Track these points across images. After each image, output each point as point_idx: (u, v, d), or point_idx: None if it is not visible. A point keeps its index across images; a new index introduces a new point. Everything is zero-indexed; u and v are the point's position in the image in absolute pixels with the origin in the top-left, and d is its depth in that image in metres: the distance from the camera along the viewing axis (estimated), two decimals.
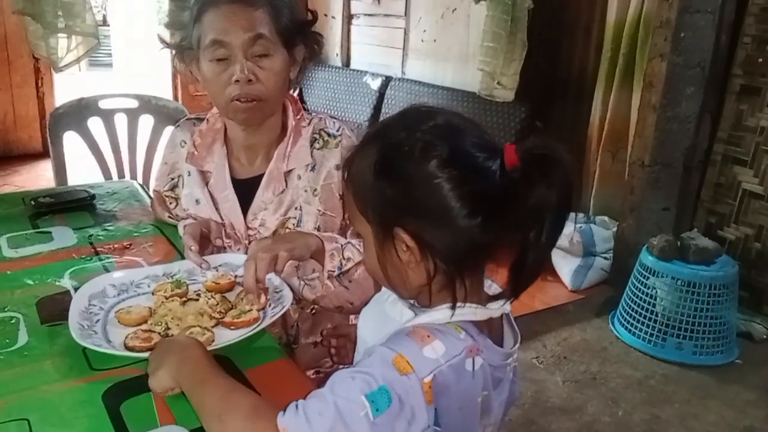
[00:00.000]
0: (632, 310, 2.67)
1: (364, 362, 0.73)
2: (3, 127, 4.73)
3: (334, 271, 1.16)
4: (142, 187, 1.78)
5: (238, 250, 1.32)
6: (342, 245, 1.18)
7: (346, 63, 5.14)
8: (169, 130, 2.42)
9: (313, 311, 1.36)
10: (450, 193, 0.74)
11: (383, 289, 0.98)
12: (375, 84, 4.60)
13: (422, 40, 4.40)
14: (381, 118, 4.50)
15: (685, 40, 2.78)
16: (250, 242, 1.32)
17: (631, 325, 2.67)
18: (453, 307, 0.77)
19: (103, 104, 2.41)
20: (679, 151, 2.93)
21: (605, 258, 3.20)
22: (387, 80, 4.55)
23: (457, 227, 0.75)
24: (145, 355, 0.90)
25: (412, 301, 0.85)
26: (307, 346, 1.37)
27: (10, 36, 4.63)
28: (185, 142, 1.40)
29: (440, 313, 0.78)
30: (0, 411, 0.83)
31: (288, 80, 1.28)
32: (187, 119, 1.45)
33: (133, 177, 2.45)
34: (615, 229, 3.20)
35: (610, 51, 3.35)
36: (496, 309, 0.80)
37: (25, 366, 0.93)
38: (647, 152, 2.92)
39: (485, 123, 3.60)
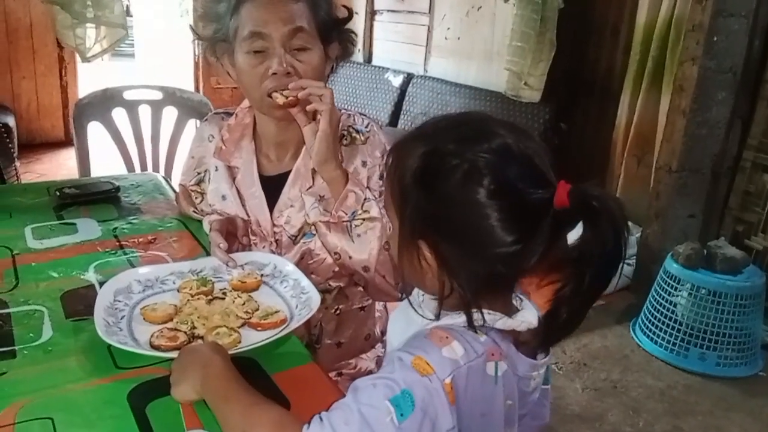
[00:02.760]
0: (655, 318, 2.62)
1: (385, 368, 0.72)
2: (27, 116, 4.76)
3: (346, 214, 1.15)
4: (166, 181, 1.77)
5: (264, 248, 1.30)
6: (366, 198, 1.16)
7: (368, 59, 5.11)
8: (192, 122, 2.43)
9: (338, 312, 1.34)
10: (483, 224, 0.72)
11: (411, 294, 0.96)
12: (397, 81, 4.56)
13: (446, 38, 4.36)
14: (402, 116, 4.48)
15: (717, 43, 2.72)
16: (276, 240, 1.30)
17: (654, 333, 2.62)
18: (469, 325, 0.74)
19: (128, 95, 2.40)
20: (707, 156, 2.87)
21: (627, 264, 3.14)
22: (409, 77, 4.52)
23: (484, 259, 0.73)
24: (171, 354, 0.88)
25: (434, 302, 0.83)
26: (330, 347, 1.35)
27: (35, 25, 4.65)
28: (213, 137, 1.38)
29: (461, 317, 0.76)
30: (24, 409, 0.81)
31: (324, 75, 1.25)
32: (215, 113, 1.43)
33: (156, 169, 2.45)
34: (638, 235, 3.15)
35: (639, 53, 3.29)
36: (521, 322, 0.78)
37: (49, 363, 0.91)
38: (675, 157, 2.87)
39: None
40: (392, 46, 4.88)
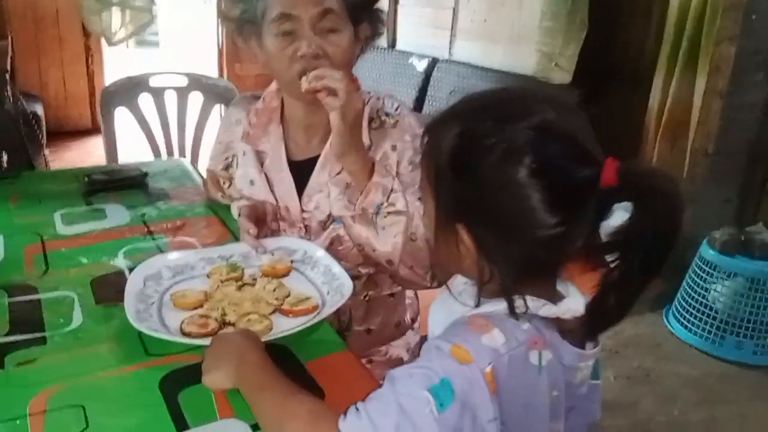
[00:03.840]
0: (689, 306, 2.55)
1: (422, 357, 0.69)
2: (54, 104, 4.80)
3: (370, 208, 1.12)
4: (193, 166, 1.75)
5: (293, 233, 1.28)
6: (392, 188, 1.12)
7: (392, 44, 5.04)
8: (218, 108, 2.42)
9: (367, 298, 1.31)
10: (524, 206, 0.68)
11: (452, 283, 0.93)
12: (421, 65, 4.50)
13: (471, 21, 4.28)
14: (426, 101, 4.42)
15: (755, 23, 2.62)
16: (305, 226, 1.28)
17: (688, 321, 2.56)
18: (511, 312, 0.71)
19: (153, 82, 2.39)
20: (744, 140, 2.79)
21: None
22: (433, 62, 4.44)
23: (525, 242, 0.69)
24: (203, 342, 0.86)
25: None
26: (360, 334, 1.33)
27: (61, 14, 4.68)
28: (240, 121, 1.35)
29: (502, 304, 0.72)
30: (55, 396, 0.80)
31: (354, 58, 1.22)
32: (242, 97, 1.41)
33: (182, 155, 2.45)
34: None
35: (673, 33, 3.18)
36: (566, 310, 0.74)
37: (79, 349, 0.90)
38: (710, 140, 2.78)
39: None
40: (416, 30, 4.80)
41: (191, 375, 0.83)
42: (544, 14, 3.13)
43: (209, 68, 5.16)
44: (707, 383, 2.32)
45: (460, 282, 0.89)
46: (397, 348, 1.40)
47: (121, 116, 2.32)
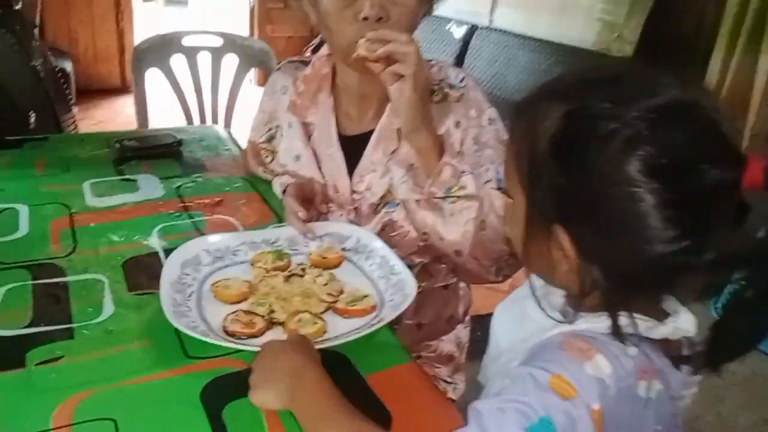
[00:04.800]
0: None
1: (512, 389, 0.57)
2: (84, 61, 4.70)
3: (438, 191, 0.98)
4: (230, 135, 1.63)
5: (341, 216, 1.16)
6: (462, 171, 0.99)
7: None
8: (253, 72, 2.30)
9: (420, 290, 1.19)
10: (644, 210, 0.55)
11: (525, 284, 0.81)
12: (459, 32, 4.29)
13: None
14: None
15: None
16: (355, 208, 1.16)
17: None
18: (615, 333, 0.59)
19: (187, 41, 2.28)
20: None
21: None
22: (472, 29, 4.24)
23: (643, 254, 0.56)
24: (250, 347, 0.75)
25: (563, 298, 0.68)
26: (410, 328, 1.21)
27: None
28: (287, 89, 1.23)
29: (600, 320, 0.60)
30: (83, 406, 0.70)
31: (419, 21, 1.08)
32: (289, 62, 1.27)
33: (215, 120, 2.35)
34: None
35: (737, 6, 2.97)
36: (674, 329, 0.62)
37: (110, 347, 0.80)
38: None
39: None
40: None
41: (237, 385, 0.71)
42: None
43: (240, 28, 5.02)
44: (758, 382, 2.19)
45: (537, 284, 0.77)
46: (448, 343, 1.29)
47: (153, 76, 2.22)
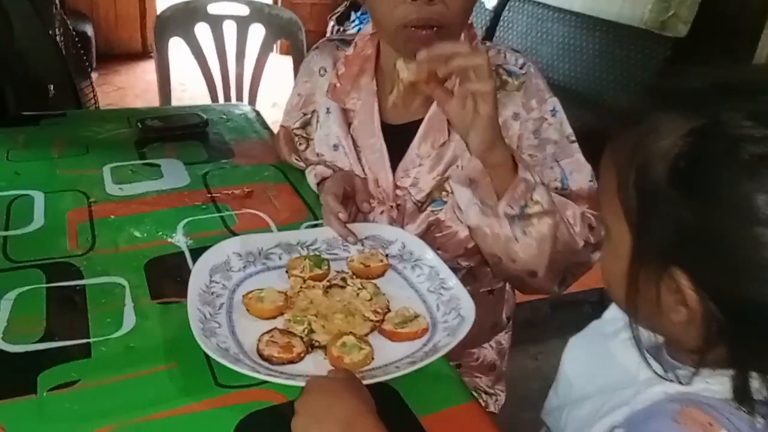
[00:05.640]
0: None
1: None
2: (105, 25, 4.59)
3: (513, 209, 0.86)
4: (258, 116, 1.53)
5: (381, 213, 1.06)
6: (535, 182, 0.86)
7: None
8: (280, 44, 2.18)
9: None
10: None
11: (608, 315, 0.71)
12: (490, 3, 4.12)
13: None
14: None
15: None
16: (397, 205, 1.05)
17: None
18: (740, 397, 0.49)
19: (212, 9, 2.16)
20: None
21: None
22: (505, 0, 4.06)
23: None
24: (289, 380, 0.66)
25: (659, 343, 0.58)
26: None
27: None
28: (325, 70, 1.11)
29: (717, 381, 0.51)
30: None
31: (473, 3, 0.95)
32: (329, 40, 1.16)
33: (240, 93, 2.24)
34: None
35: None
36: None
37: (132, 369, 0.71)
38: None
39: (618, 58, 3.12)
40: None
41: (276, 425, 0.62)
42: None
43: None
44: None
45: (617, 316, 0.67)
46: (489, 350, 1.20)
47: (176, 45, 2.11)
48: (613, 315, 0.69)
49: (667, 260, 0.49)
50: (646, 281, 0.52)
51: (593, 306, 2.20)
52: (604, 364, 0.64)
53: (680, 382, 0.53)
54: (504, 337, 1.23)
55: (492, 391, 1.20)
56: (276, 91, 2.85)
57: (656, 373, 0.55)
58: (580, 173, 0.99)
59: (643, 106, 0.53)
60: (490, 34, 4.12)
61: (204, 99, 2.23)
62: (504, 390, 1.22)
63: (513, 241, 0.87)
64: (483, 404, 1.16)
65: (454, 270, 1.04)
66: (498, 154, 0.83)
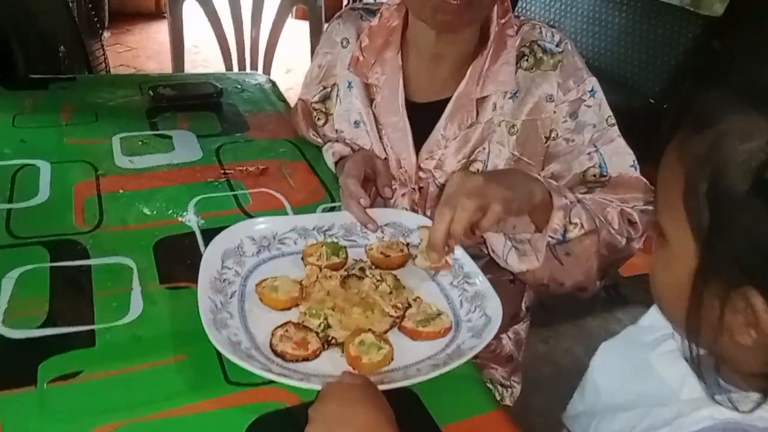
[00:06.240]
0: None
1: None
2: None
3: (554, 238, 0.82)
4: (275, 87, 1.46)
5: (403, 195, 1.01)
6: (570, 203, 0.82)
7: None
8: (297, 8, 2.10)
9: None
10: None
11: (645, 323, 0.66)
12: None
13: None
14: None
15: None
16: (420, 188, 1.00)
17: None
18: None
19: None
20: None
21: None
22: None
23: None
24: (303, 382, 0.62)
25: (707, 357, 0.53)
26: None
27: None
28: (348, 42, 1.05)
29: None
30: None
31: None
32: (352, 9, 1.09)
33: (254, 59, 2.17)
34: None
35: None
36: None
37: (138, 361, 0.67)
38: None
39: (645, 35, 3.02)
40: None
41: (290, 426, 0.59)
42: None
43: None
44: None
45: (656, 324, 0.63)
46: (507, 341, 1.16)
47: (190, 6, 2.04)
48: (651, 323, 0.64)
49: (740, 278, 0.44)
50: (709, 298, 0.47)
51: (607, 290, 2.16)
52: (641, 375, 0.60)
53: (736, 409, 0.48)
54: (522, 327, 1.19)
55: (508, 382, 1.16)
56: (291, 58, 2.78)
57: (706, 394, 0.51)
58: (620, 159, 0.93)
59: (714, 100, 0.47)
60: (512, 4, 3.97)
61: (217, 62, 2.17)
62: (520, 382, 1.19)
63: (558, 267, 0.84)
64: (498, 397, 1.12)
65: (477, 257, 0.99)
66: (535, 203, 0.79)
